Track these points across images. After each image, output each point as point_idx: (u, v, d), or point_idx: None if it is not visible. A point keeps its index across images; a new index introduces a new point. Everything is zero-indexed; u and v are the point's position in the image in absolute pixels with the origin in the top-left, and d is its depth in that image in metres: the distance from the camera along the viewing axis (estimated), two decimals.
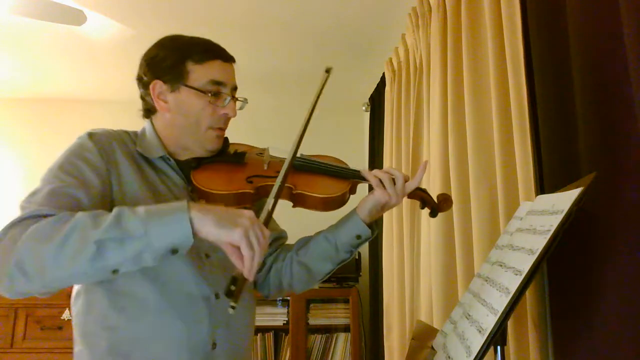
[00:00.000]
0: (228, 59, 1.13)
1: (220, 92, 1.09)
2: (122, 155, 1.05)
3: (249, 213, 0.88)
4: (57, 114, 3.67)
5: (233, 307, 0.85)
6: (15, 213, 0.89)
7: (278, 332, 3.14)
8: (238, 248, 0.84)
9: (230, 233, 0.84)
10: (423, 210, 1.22)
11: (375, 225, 1.19)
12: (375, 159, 3.11)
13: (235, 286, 0.86)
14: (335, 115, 3.67)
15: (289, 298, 3.10)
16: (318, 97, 1.11)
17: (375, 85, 3.26)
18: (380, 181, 1.11)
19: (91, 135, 1.04)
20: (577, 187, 0.84)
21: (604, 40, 0.96)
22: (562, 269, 1.04)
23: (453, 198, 1.63)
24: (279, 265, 1.23)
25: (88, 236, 0.81)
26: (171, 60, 1.09)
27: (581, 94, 1.02)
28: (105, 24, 2.59)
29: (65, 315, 2.83)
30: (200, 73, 1.08)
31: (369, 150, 3.33)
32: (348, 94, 3.51)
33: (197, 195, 1.07)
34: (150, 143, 1.11)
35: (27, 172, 3.55)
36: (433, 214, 1.20)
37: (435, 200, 1.19)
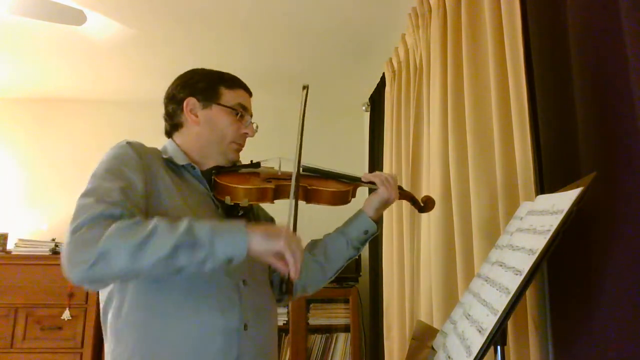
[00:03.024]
0: (249, 92, 1.33)
1: (245, 114, 1.28)
2: (154, 161, 1.16)
3: (284, 227, 1.05)
4: (57, 114, 3.67)
5: (289, 300, 1.08)
6: (68, 211, 1.01)
7: (278, 332, 3.13)
8: (282, 256, 1.01)
9: (275, 244, 1.01)
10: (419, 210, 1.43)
11: (378, 222, 1.37)
12: (375, 159, 3.11)
13: (286, 286, 1.20)
14: (335, 115, 3.67)
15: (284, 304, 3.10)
16: (304, 115, 1.21)
17: (375, 86, 3.26)
18: (385, 180, 1.32)
19: (128, 143, 1.15)
20: (577, 187, 0.84)
21: (604, 40, 0.96)
22: (562, 269, 1.04)
23: (453, 198, 1.64)
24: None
25: (166, 239, 0.96)
26: (206, 83, 1.27)
27: (581, 94, 1.02)
28: (105, 24, 2.59)
29: (65, 315, 2.83)
30: (230, 96, 1.27)
31: (369, 150, 3.33)
32: (348, 94, 3.51)
33: (219, 195, 1.20)
34: (175, 154, 1.23)
35: (27, 172, 3.55)
36: (420, 210, 1.43)
37: (420, 202, 1.42)
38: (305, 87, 1.25)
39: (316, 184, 1.27)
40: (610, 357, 0.88)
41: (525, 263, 0.81)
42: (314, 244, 1.39)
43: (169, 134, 1.30)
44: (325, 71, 3.17)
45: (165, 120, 1.31)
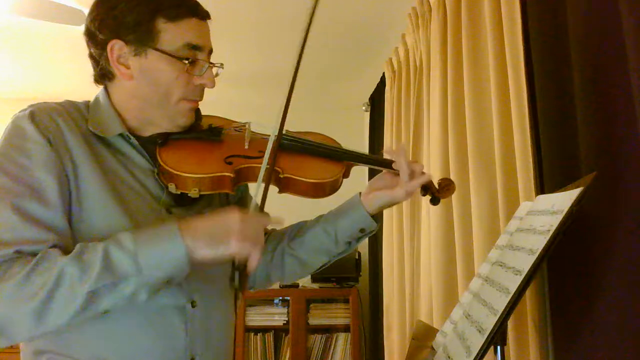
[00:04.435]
0: (204, 15, 0.93)
1: (197, 58, 0.91)
2: (70, 134, 0.85)
3: (235, 215, 0.82)
4: None
5: (239, 297, 0.86)
6: None
7: (278, 332, 3.14)
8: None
9: (226, 249, 0.80)
10: (423, 208, 1.19)
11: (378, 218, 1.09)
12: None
13: (240, 277, 0.85)
14: (335, 115, 3.67)
15: (288, 298, 3.10)
16: (308, 28, 0.96)
17: (375, 85, 3.26)
18: (416, 182, 1.00)
19: (31, 115, 0.84)
20: (577, 187, 0.84)
21: (604, 40, 0.96)
22: (562, 269, 1.04)
23: (453, 198, 1.63)
24: (267, 257, 1.10)
25: (77, 289, 0.73)
26: (136, 15, 0.87)
27: (581, 94, 1.02)
28: None
29: None
30: (173, 34, 0.88)
31: (369, 150, 3.33)
32: (348, 93, 3.51)
33: (164, 178, 0.90)
34: (105, 118, 0.91)
35: None
36: (434, 202, 1.09)
37: (437, 187, 1.08)
38: None
39: (292, 170, 0.95)
40: (611, 357, 0.88)
41: (525, 263, 0.81)
42: (295, 232, 1.10)
43: (98, 82, 0.96)
44: (325, 71, 3.17)
45: (92, 64, 0.95)
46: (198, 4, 0.93)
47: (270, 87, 3.40)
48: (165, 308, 0.88)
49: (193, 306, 0.91)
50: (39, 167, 0.80)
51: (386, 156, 1.06)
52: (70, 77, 3.33)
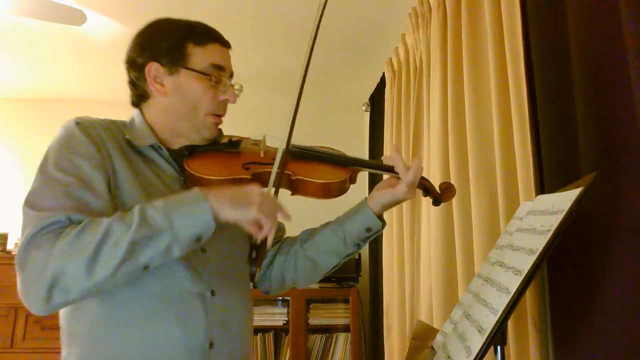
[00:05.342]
0: (226, 44, 1.10)
1: (221, 77, 1.06)
2: (110, 144, 0.99)
3: (256, 188, 0.91)
4: (57, 114, 3.66)
5: (256, 272, 0.91)
6: (19, 218, 0.88)
7: (278, 332, 3.14)
8: (257, 222, 0.88)
9: (247, 212, 0.88)
10: (423, 208, 1.22)
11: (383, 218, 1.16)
12: (375, 159, 3.11)
13: (257, 253, 0.92)
14: (335, 115, 3.67)
15: (288, 298, 3.10)
16: (317, 31, 1.05)
17: (375, 85, 3.26)
18: (414, 178, 1.06)
19: (77, 123, 0.98)
20: (577, 187, 0.84)
21: (604, 40, 0.96)
22: (562, 269, 1.04)
23: (453, 198, 1.63)
24: (282, 258, 1.19)
25: (120, 240, 0.82)
26: (169, 42, 1.04)
27: (581, 94, 1.02)
28: (105, 24, 2.59)
29: None
30: (201, 56, 1.04)
31: (369, 150, 3.33)
32: (348, 93, 3.51)
33: (190, 183, 1.02)
34: (139, 131, 1.04)
35: (28, 172, 3.55)
36: (436, 203, 1.18)
37: (438, 189, 1.17)
38: None
39: (303, 173, 1.07)
40: (611, 357, 0.88)
41: (525, 263, 0.81)
42: (307, 236, 1.20)
43: (135, 104, 1.10)
44: (325, 71, 3.17)
45: (130, 89, 1.10)
46: (220, 34, 1.10)
47: (270, 87, 3.40)
48: (186, 293, 0.96)
49: (212, 294, 0.99)
50: (87, 164, 0.92)
51: (385, 162, 1.13)
52: (70, 77, 3.33)
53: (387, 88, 2.83)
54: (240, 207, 0.88)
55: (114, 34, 2.68)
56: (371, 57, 2.96)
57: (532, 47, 1.26)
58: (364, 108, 3.50)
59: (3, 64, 3.13)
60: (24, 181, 3.53)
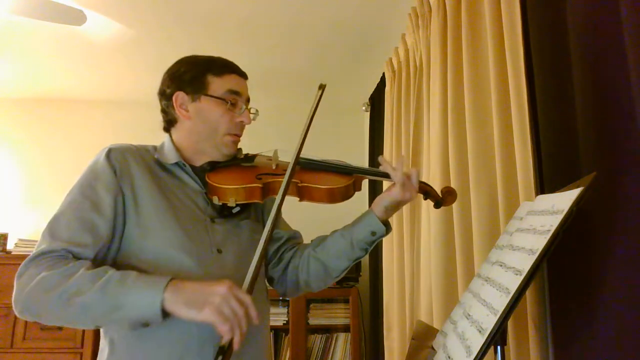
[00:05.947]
0: (243, 74, 1.25)
1: (237, 101, 1.20)
2: (136, 166, 1.14)
3: (224, 286, 0.92)
4: (57, 114, 3.67)
5: None
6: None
7: (278, 332, 3.14)
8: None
9: (200, 314, 0.90)
10: (423, 210, 1.25)
11: (388, 223, 1.24)
12: (375, 159, 3.11)
13: (223, 357, 0.88)
14: (335, 115, 3.67)
15: (288, 298, 3.10)
16: (314, 113, 1.17)
17: (375, 85, 3.26)
18: (405, 179, 1.16)
19: (109, 151, 1.14)
20: (577, 187, 0.84)
21: (604, 40, 0.96)
22: (562, 269, 1.04)
23: None
24: (296, 262, 1.29)
25: (79, 294, 0.94)
26: (192, 74, 1.20)
27: (581, 94, 1.02)
28: (105, 24, 2.59)
29: None
30: (219, 84, 1.19)
31: (369, 150, 3.33)
32: (348, 94, 3.51)
33: (210, 194, 1.16)
34: (167, 152, 1.21)
35: (26, 172, 3.55)
36: (437, 206, 1.26)
37: (439, 193, 1.25)
38: (322, 87, 1.19)
39: (309, 180, 1.18)
40: (611, 357, 0.88)
41: (525, 263, 0.81)
42: (319, 241, 1.29)
43: (166, 129, 1.27)
44: (325, 71, 3.17)
45: (162, 116, 1.27)
46: (238, 66, 1.25)
47: (270, 87, 3.40)
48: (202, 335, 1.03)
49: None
50: (102, 187, 1.08)
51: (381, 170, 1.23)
52: (70, 77, 3.33)
53: (387, 88, 2.83)
54: (194, 307, 0.90)
55: (113, 34, 2.67)
56: (371, 57, 2.96)
57: (532, 47, 1.26)
58: (364, 108, 3.50)
59: (3, 64, 3.13)
60: (23, 181, 3.53)
